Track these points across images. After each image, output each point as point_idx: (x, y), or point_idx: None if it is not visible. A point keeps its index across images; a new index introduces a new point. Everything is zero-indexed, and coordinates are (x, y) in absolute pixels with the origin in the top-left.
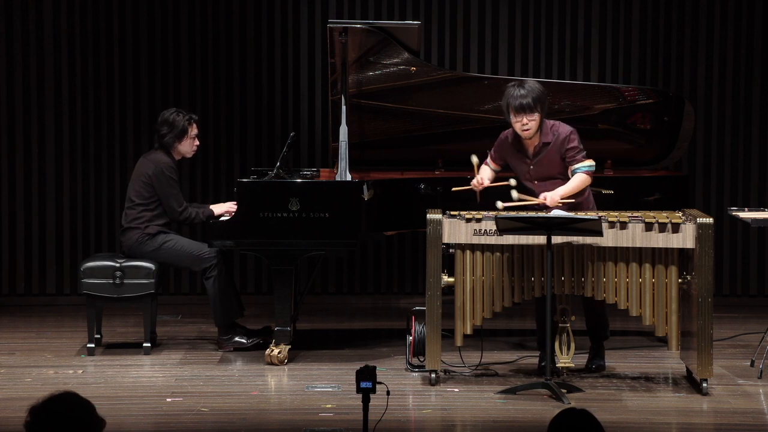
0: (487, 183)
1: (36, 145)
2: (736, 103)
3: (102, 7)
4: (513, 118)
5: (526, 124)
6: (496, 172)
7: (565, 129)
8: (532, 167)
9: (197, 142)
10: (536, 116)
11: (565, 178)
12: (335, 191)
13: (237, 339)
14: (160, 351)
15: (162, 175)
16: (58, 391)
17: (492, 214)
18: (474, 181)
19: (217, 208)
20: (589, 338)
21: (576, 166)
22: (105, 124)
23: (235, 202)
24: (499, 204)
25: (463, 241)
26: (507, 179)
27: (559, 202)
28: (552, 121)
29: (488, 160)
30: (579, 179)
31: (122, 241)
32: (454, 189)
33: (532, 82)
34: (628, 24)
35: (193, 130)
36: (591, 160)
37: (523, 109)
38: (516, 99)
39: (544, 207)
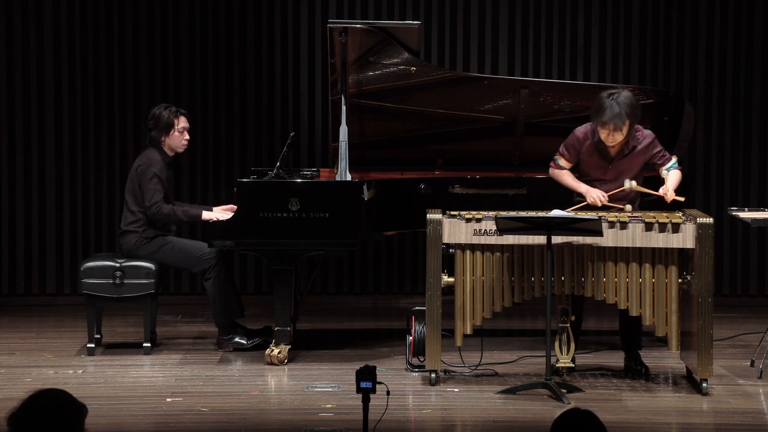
0: (606, 198)
1: (36, 145)
2: (736, 103)
3: (102, 7)
4: (601, 129)
5: (612, 137)
6: (571, 170)
7: (648, 134)
8: (611, 166)
9: (187, 136)
10: (625, 132)
11: (635, 177)
12: (335, 191)
13: (237, 339)
14: (160, 351)
15: (147, 170)
16: (30, 393)
17: (492, 214)
18: (591, 199)
19: (207, 215)
20: (623, 348)
21: (668, 165)
22: (105, 124)
23: (227, 206)
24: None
25: (463, 241)
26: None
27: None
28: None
29: (562, 162)
30: (678, 174)
31: (121, 244)
32: (569, 210)
33: (626, 97)
34: (628, 24)
35: (180, 124)
36: (674, 156)
37: (615, 129)
38: (606, 119)
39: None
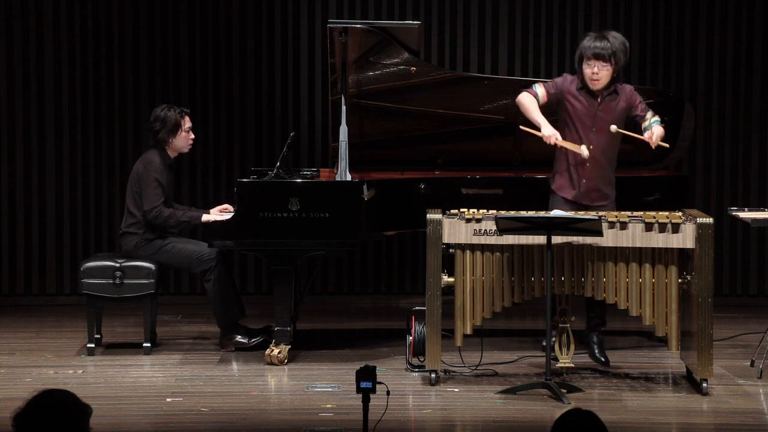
0: (561, 142)
1: (36, 145)
2: (736, 103)
3: (102, 7)
4: (585, 63)
5: (596, 73)
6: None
7: (628, 85)
8: (598, 112)
9: (192, 136)
10: (609, 68)
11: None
12: (335, 191)
13: (239, 339)
14: (160, 351)
15: (146, 173)
16: (36, 392)
17: (492, 214)
18: (548, 135)
19: (206, 217)
20: (587, 324)
21: (653, 119)
22: (105, 124)
23: (221, 206)
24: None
25: (463, 241)
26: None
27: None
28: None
29: (539, 90)
30: (662, 129)
31: (121, 245)
32: (522, 127)
33: (615, 34)
34: (628, 24)
35: (186, 123)
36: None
37: (598, 57)
38: (593, 48)
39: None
